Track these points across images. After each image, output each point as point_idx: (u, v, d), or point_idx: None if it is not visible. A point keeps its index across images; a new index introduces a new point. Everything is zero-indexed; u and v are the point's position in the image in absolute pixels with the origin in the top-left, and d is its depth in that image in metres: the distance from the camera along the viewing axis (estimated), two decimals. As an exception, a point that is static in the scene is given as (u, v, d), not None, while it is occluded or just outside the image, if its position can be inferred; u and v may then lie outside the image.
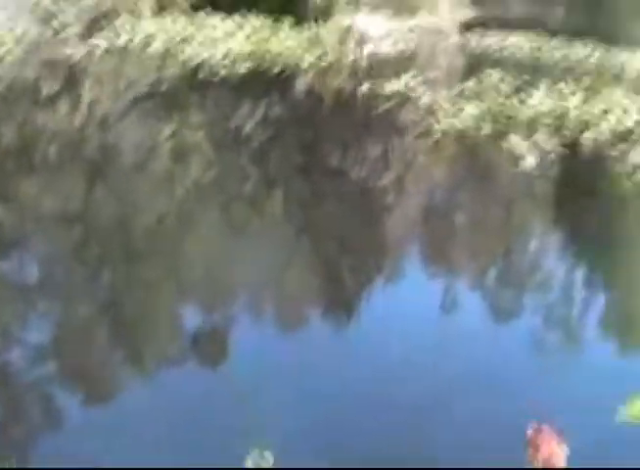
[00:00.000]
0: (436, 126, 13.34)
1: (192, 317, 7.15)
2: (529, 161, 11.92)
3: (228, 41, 19.63)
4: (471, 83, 17.25)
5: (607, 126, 14.29)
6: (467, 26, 33.01)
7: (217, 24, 21.63)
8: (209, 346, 6.64)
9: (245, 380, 5.75)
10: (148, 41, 19.17)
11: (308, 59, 19.46)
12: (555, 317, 7.57)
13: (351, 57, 21.88)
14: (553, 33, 32.90)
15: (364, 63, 21.56)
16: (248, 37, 20.50)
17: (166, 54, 18.21)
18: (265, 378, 5.75)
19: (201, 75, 16.43)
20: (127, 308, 7.33)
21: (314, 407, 5.52)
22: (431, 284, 8.25)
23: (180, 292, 7.69)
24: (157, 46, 18.83)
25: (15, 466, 4.77)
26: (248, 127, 13.25)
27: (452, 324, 7.12)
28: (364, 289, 8.02)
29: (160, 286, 7.68)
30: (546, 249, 9.83)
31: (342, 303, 7.63)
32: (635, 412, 2.71)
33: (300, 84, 17.82)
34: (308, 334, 6.88)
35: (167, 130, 12.86)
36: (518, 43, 29.97)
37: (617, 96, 17.31)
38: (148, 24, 20.85)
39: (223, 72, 16.68)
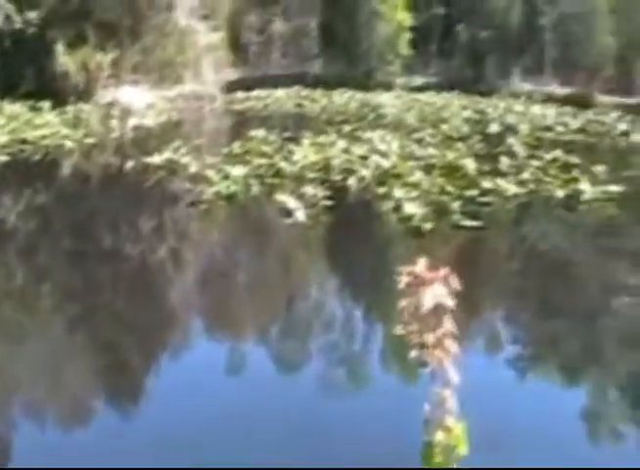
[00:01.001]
0: (206, 193, 13.45)
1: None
2: (299, 214, 12.27)
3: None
4: (236, 146, 17.60)
5: (367, 171, 15.07)
6: (231, 88, 33.83)
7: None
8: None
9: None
10: None
11: (73, 139, 19.08)
12: (341, 357, 7.77)
13: (116, 132, 21.72)
14: (314, 86, 34.53)
15: (129, 136, 21.48)
16: (3, 127, 19.77)
17: None
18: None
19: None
20: None
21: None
22: (219, 348, 8.21)
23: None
24: None
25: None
26: (11, 220, 12.75)
27: (243, 384, 7.08)
28: (151, 366, 7.87)
29: None
30: (327, 293, 10.09)
31: (129, 384, 7.42)
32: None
33: (66, 166, 17.43)
34: (93, 427, 6.62)
35: None
36: (281, 100, 31.08)
37: (376, 140, 18.32)
38: None
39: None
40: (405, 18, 37.23)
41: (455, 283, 2.84)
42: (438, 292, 2.80)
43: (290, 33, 40.09)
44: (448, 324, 2.83)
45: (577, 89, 33.52)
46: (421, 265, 2.85)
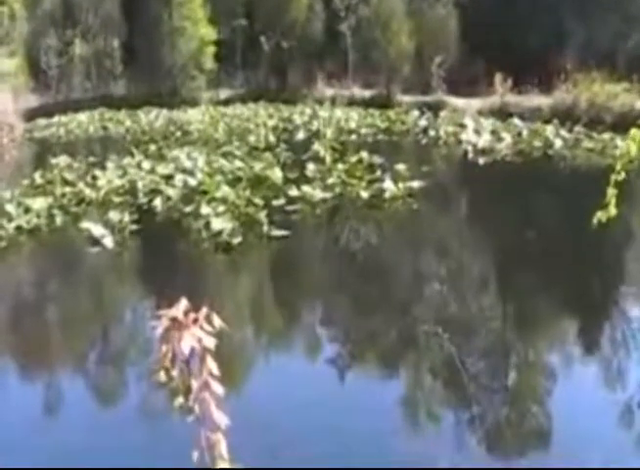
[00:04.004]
0: (6, 229, 12.84)
1: None
2: (105, 241, 11.95)
3: None
4: (38, 176, 16.93)
5: (173, 190, 14.91)
6: (32, 116, 32.54)
7: None
8: None
9: None
10: None
11: None
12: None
13: None
14: (118, 107, 33.85)
15: None
16: None
17: None
18: None
19: None
20: None
21: None
22: (33, 386, 7.84)
23: None
24: None
25: None
26: None
27: (61, 420, 6.78)
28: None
29: None
30: (139, 316, 9.83)
31: None
32: None
33: None
34: None
35: None
36: (84, 124, 30.22)
37: (182, 158, 18.18)
38: None
39: None
40: (208, 32, 37.23)
41: (217, 322, 2.82)
42: (198, 334, 2.76)
43: (91, 55, 39.09)
44: (211, 367, 2.79)
45: (379, 90, 34.76)
46: (179, 308, 2.80)
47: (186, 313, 2.79)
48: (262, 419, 6.29)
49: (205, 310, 2.81)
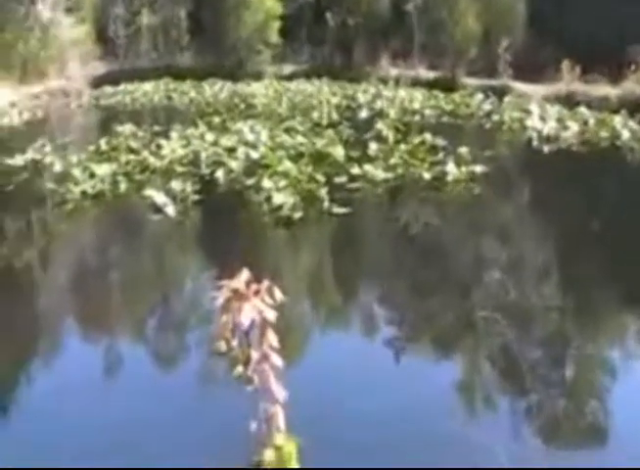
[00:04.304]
0: (72, 193, 13.10)
1: None
2: (168, 209, 12.11)
3: None
4: (103, 143, 17.18)
5: (235, 163, 15.01)
6: (98, 83, 33.01)
7: None
8: None
9: None
10: None
11: None
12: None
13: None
14: (183, 78, 34.06)
15: (-10, 137, 20.64)
16: None
17: None
18: None
19: None
20: None
21: None
22: (95, 350, 8.01)
23: None
24: None
25: None
26: None
27: (120, 385, 6.91)
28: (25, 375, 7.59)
29: None
30: (200, 285, 9.95)
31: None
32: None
33: None
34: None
35: None
36: (149, 93, 30.53)
37: (245, 131, 18.27)
38: None
39: None
40: (274, 6, 37.19)
41: (278, 295, 2.83)
42: (259, 306, 2.76)
43: (158, 25, 39.42)
44: (271, 339, 2.79)
45: (444, 72, 34.37)
46: (241, 279, 2.81)
47: (247, 285, 2.79)
48: (318, 394, 6.33)
49: (266, 283, 2.81)
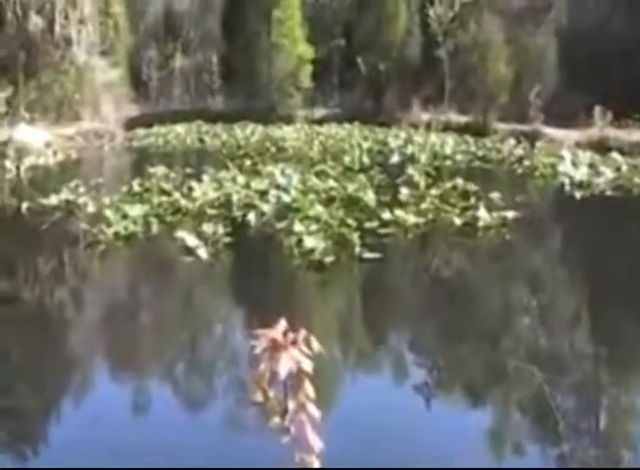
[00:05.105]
0: (105, 233, 13.20)
1: None
2: (200, 251, 12.13)
3: None
4: (136, 184, 17.35)
5: (267, 206, 15.06)
6: (131, 125, 33.49)
7: None
8: None
9: None
10: None
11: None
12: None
13: (11, 172, 21.14)
14: (215, 121, 34.47)
15: (25, 177, 20.93)
16: None
17: None
18: None
19: None
20: None
21: None
22: (123, 390, 7.98)
23: None
24: None
25: None
26: None
27: (155, 435, 6.86)
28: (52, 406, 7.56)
29: None
30: (232, 330, 9.93)
31: (28, 432, 7.12)
32: None
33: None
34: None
35: None
36: (182, 136, 30.90)
37: (276, 175, 18.36)
38: None
39: None
40: (306, 50, 37.68)
41: (315, 345, 2.79)
42: (296, 356, 2.74)
43: (190, 68, 40.07)
44: (308, 389, 2.77)
45: (475, 117, 34.47)
46: (278, 329, 2.79)
47: (284, 334, 2.77)
48: (354, 443, 6.25)
49: (303, 332, 2.79)
